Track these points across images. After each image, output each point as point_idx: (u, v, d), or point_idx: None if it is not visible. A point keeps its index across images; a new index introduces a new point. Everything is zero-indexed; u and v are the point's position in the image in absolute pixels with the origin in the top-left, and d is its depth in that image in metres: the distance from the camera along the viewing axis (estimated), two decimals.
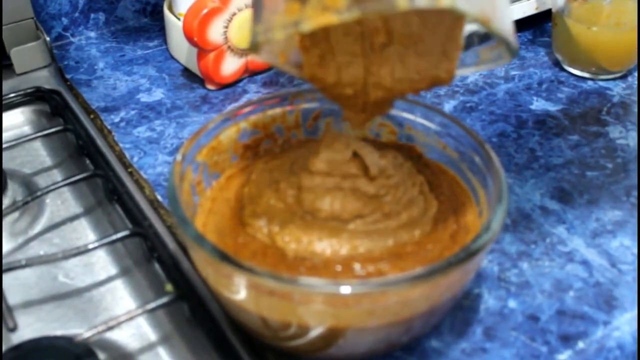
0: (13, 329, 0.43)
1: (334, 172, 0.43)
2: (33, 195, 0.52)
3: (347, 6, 0.33)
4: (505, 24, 0.37)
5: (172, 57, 0.72)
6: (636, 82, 0.66)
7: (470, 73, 0.44)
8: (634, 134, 0.59)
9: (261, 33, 0.36)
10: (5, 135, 0.63)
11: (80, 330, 0.43)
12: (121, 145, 0.60)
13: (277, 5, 0.35)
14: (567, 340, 0.43)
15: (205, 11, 0.61)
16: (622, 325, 0.44)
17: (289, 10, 0.35)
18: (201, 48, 0.63)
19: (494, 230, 0.38)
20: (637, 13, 0.63)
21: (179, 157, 0.43)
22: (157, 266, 0.48)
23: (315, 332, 0.38)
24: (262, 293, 0.37)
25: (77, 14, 0.75)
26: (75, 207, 0.55)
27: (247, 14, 0.63)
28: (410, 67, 0.42)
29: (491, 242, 0.38)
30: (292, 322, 0.37)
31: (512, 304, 0.45)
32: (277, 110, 0.49)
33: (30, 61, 0.70)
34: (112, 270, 0.50)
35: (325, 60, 0.42)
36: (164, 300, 0.44)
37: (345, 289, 0.35)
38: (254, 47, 0.36)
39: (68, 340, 0.41)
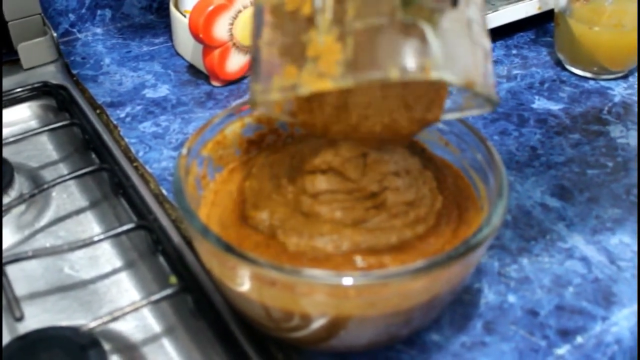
0: (20, 319, 0.44)
1: (335, 181, 0.43)
2: (39, 188, 0.53)
3: (342, 74, 0.34)
4: (487, 81, 0.38)
5: (178, 54, 0.72)
6: (637, 82, 0.67)
7: (455, 118, 0.45)
8: (635, 133, 0.60)
9: (260, 93, 0.37)
10: (12, 129, 0.64)
11: (85, 322, 0.44)
12: (127, 140, 0.60)
13: (274, 63, 0.37)
14: (565, 335, 0.43)
15: (211, 8, 0.62)
16: (620, 321, 0.44)
17: (286, 73, 0.36)
18: (207, 45, 0.64)
19: (494, 225, 0.39)
20: (637, 14, 0.63)
21: (184, 151, 0.44)
22: (161, 259, 0.48)
23: (317, 323, 0.38)
24: (265, 284, 0.37)
25: (83, 11, 0.75)
26: (80, 201, 0.56)
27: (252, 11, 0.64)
28: (398, 116, 0.43)
29: (491, 236, 0.39)
30: (294, 313, 0.38)
31: (511, 298, 0.46)
32: None
33: (37, 56, 0.70)
34: (117, 262, 0.50)
35: (315, 109, 0.43)
36: (168, 292, 0.44)
37: (347, 281, 0.35)
38: (252, 105, 0.38)
39: (73, 330, 0.42)
